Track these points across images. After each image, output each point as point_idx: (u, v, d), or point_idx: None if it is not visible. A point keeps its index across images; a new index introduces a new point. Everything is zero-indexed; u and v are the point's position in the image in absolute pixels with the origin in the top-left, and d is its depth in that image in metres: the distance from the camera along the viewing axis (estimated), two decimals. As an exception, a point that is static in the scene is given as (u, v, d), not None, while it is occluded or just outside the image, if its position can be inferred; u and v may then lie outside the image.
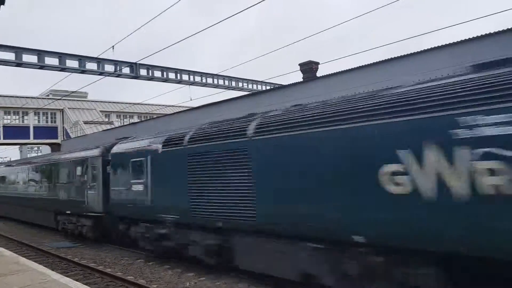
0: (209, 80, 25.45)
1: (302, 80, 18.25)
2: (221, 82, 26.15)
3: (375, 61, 12.17)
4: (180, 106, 31.02)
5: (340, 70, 13.18)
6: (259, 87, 28.42)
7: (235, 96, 19.50)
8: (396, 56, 11.74)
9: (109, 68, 21.40)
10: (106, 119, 40.19)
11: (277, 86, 24.89)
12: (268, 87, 27.87)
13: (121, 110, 40.89)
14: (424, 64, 10.82)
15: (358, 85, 11.60)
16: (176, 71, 23.81)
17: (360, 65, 12.56)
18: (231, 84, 26.83)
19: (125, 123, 39.01)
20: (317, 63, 19.31)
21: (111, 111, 42.30)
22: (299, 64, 19.70)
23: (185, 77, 24.14)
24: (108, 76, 21.59)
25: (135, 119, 40.78)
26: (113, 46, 17.01)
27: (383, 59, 12.00)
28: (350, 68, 12.91)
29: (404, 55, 11.51)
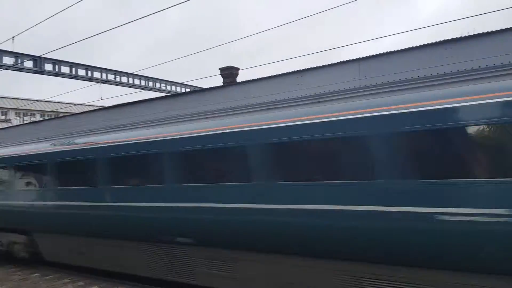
0: (124, 79, 24.09)
1: (222, 84, 18.16)
2: (136, 81, 24.90)
3: (293, 70, 12.49)
4: (89, 105, 28.96)
5: (259, 77, 13.29)
6: (178, 89, 27.69)
7: (152, 97, 18.69)
8: (314, 66, 12.16)
9: (8, 60, 19.12)
10: (3, 117, 35.99)
11: (197, 89, 24.49)
12: (187, 90, 27.30)
13: (21, 107, 36.92)
14: (334, 76, 11.36)
15: (275, 92, 11.79)
16: (87, 67, 22.12)
17: (279, 73, 12.80)
18: (148, 85, 25.71)
19: (26, 122, 35.28)
20: (237, 69, 19.39)
21: (9, 108, 38.01)
22: (220, 69, 19.61)
23: (96, 74, 22.54)
24: (6, 69, 19.25)
25: (38, 118, 37.11)
26: (13, 37, 15.29)
27: (301, 69, 12.36)
28: (269, 75, 13.08)
29: (323, 65, 11.95)
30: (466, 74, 5.65)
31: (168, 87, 27.10)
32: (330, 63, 12.17)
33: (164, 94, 23.88)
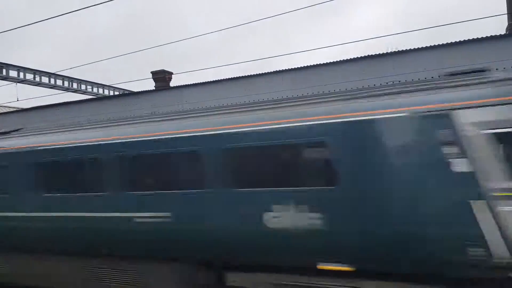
0: (44, 79, 22.24)
1: (154, 88, 17.56)
2: (59, 82, 23.12)
3: (227, 78, 12.49)
4: (4, 106, 26.32)
5: (194, 83, 13.11)
6: (106, 92, 26.24)
7: (76, 100, 17.51)
8: (250, 74, 12.26)
9: None
10: None
11: (127, 92, 23.42)
12: (116, 93, 26.01)
13: None
14: (269, 85, 11.56)
15: (208, 99, 11.70)
16: (2, 65, 20.07)
17: (211, 80, 12.73)
18: (72, 86, 23.97)
19: None
20: (171, 73, 18.90)
21: None
22: (152, 72, 18.95)
23: (13, 73, 20.53)
24: None
25: None
26: None
27: (236, 77, 12.39)
28: (202, 81, 12.95)
29: (260, 73, 12.09)
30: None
31: (95, 89, 25.55)
32: (264, 72, 12.35)
33: (90, 97, 22.49)
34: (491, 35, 9.30)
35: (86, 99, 17.67)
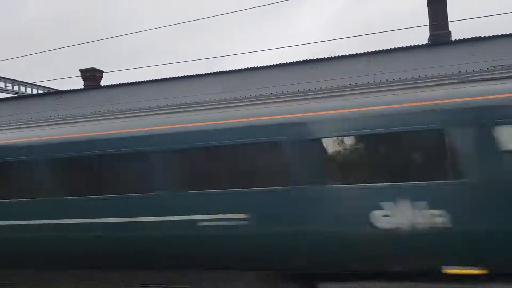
0: (-45, 75, 20.05)
1: (83, 87, 16.56)
2: (-27, 79, 21.01)
3: (164, 78, 12.06)
4: None
5: (125, 82, 12.48)
6: (28, 90, 24.32)
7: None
8: (186, 75, 11.94)
9: None
10: None
11: (52, 91, 21.84)
12: (40, 91, 24.19)
13: None
14: (201, 87, 11.36)
15: (144, 99, 11.21)
16: None
17: (150, 79, 12.22)
18: (-11, 83, 21.96)
19: None
20: (102, 71, 18.00)
21: None
22: (80, 70, 17.90)
23: None
24: None
25: None
26: None
27: (172, 77, 12.01)
28: (134, 81, 12.37)
29: (194, 75, 11.81)
30: None
31: (16, 87, 23.60)
32: (199, 73, 12.10)
33: (9, 95, 20.65)
34: (414, 45, 9.94)
35: (4, 98, 16.14)
